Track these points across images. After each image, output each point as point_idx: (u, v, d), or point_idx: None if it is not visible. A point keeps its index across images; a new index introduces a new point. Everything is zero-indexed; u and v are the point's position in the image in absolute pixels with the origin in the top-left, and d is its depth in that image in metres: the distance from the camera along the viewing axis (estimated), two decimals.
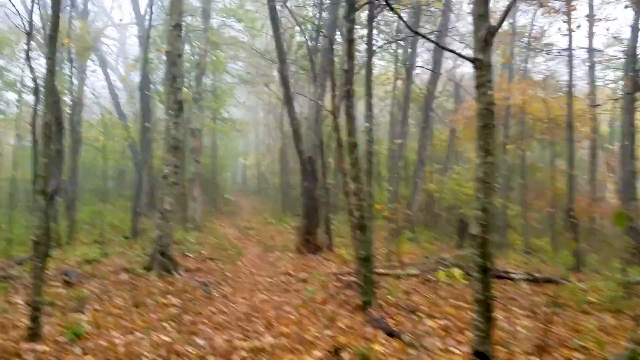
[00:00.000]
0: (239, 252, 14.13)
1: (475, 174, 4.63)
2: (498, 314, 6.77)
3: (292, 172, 28.61)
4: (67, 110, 15.58)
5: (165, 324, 6.69)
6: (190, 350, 5.61)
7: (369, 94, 9.15)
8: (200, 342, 5.95)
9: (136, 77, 24.83)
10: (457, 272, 8.06)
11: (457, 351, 5.32)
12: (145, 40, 15.19)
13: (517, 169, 21.30)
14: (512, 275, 9.90)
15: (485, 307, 4.45)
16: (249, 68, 27.93)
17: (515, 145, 20.26)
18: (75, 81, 17.95)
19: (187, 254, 12.73)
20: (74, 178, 18.37)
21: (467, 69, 32.41)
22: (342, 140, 8.09)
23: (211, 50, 19.77)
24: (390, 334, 5.83)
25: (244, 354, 5.46)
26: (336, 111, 8.02)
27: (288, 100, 12.19)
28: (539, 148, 25.78)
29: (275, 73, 25.27)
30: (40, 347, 5.32)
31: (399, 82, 18.38)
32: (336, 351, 5.08)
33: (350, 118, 6.84)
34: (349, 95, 6.77)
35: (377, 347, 5.31)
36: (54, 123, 8.95)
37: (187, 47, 19.69)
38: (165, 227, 10.26)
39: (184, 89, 18.68)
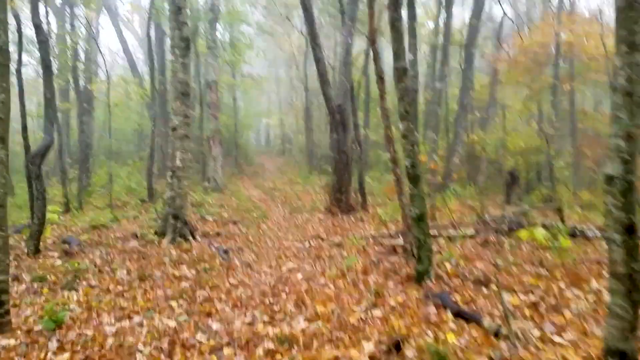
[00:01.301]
0: (264, 214, 12.85)
1: (612, 80, 3.02)
2: (596, 283, 5.25)
3: (317, 130, 27.07)
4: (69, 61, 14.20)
5: (173, 303, 5.42)
6: (201, 340, 4.31)
7: (412, 17, 7.42)
8: (215, 326, 4.65)
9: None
10: (538, 232, 6.48)
11: (561, 340, 3.85)
12: None
13: (566, 115, 19.18)
14: (587, 233, 8.28)
15: (630, 284, 2.93)
16: (267, 17, 26.02)
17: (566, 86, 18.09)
18: (81, 32, 16.57)
19: (206, 216, 11.51)
20: (85, 138, 17.28)
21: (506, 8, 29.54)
22: (383, 72, 6.47)
23: None
24: (462, 315, 4.39)
25: (269, 345, 4.12)
26: (375, 34, 6.35)
27: (313, 38, 10.48)
28: (585, 91, 23.39)
29: (297, 19, 23.38)
30: (5, 342, 4.09)
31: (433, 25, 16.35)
32: (396, 345, 3.66)
33: (398, 35, 5.19)
34: (396, 4, 5.09)
35: (450, 337, 3.87)
36: (43, 67, 7.54)
37: None
38: (178, 187, 8.95)
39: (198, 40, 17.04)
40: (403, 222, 6.56)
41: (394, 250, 7.10)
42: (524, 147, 17.38)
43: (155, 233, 9.04)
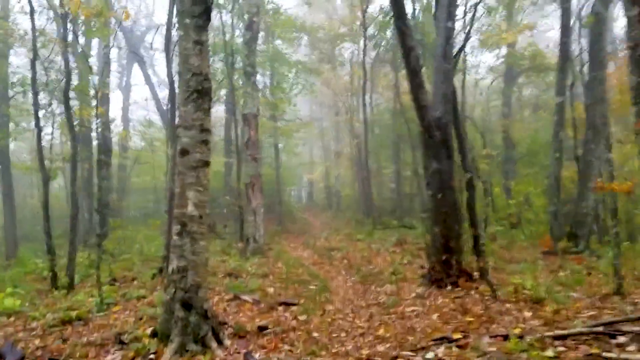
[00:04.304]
0: (325, 286, 8.88)
1: None
2: None
3: (373, 175, 23.35)
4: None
5: None
6: None
7: None
8: None
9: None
10: None
11: None
12: None
13: None
14: None
15: None
16: (311, 54, 23.20)
17: None
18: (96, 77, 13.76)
19: (242, 296, 7.57)
20: (102, 196, 14.15)
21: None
22: None
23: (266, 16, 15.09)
24: None
25: None
26: None
27: (400, 16, 6.87)
28: None
29: (347, 55, 20.35)
30: None
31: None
32: None
33: None
34: None
35: None
36: None
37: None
38: (192, 252, 5.16)
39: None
40: None
41: None
42: None
43: (154, 334, 5.19)
